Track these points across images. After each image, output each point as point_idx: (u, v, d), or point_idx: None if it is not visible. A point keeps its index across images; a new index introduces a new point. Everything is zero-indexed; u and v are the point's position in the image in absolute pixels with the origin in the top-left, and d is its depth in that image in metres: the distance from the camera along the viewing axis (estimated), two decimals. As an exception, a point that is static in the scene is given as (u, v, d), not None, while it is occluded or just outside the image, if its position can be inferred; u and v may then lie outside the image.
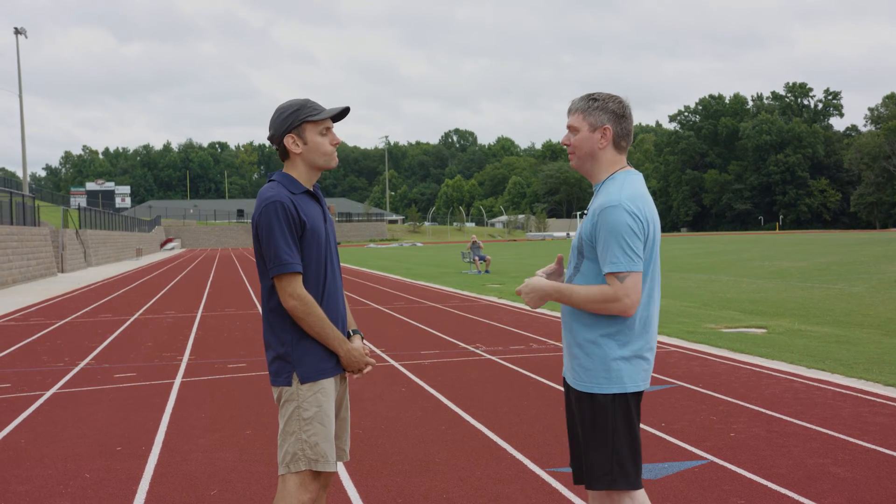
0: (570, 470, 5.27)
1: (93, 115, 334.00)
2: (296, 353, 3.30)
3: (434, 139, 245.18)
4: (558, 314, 13.70)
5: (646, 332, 3.13)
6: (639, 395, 3.16)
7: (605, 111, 3.14)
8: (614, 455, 3.08)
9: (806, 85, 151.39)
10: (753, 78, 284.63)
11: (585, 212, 3.18)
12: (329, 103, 3.41)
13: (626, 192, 3.06)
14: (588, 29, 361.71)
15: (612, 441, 3.08)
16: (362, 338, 3.55)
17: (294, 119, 3.33)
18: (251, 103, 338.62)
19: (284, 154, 3.40)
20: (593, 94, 3.19)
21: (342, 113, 3.41)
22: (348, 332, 3.49)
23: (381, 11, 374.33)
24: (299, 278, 3.26)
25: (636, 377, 3.11)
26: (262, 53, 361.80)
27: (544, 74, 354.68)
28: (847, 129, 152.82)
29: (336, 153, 3.43)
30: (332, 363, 3.36)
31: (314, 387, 3.30)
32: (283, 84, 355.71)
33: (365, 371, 3.45)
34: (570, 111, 3.22)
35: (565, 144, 3.24)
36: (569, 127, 3.22)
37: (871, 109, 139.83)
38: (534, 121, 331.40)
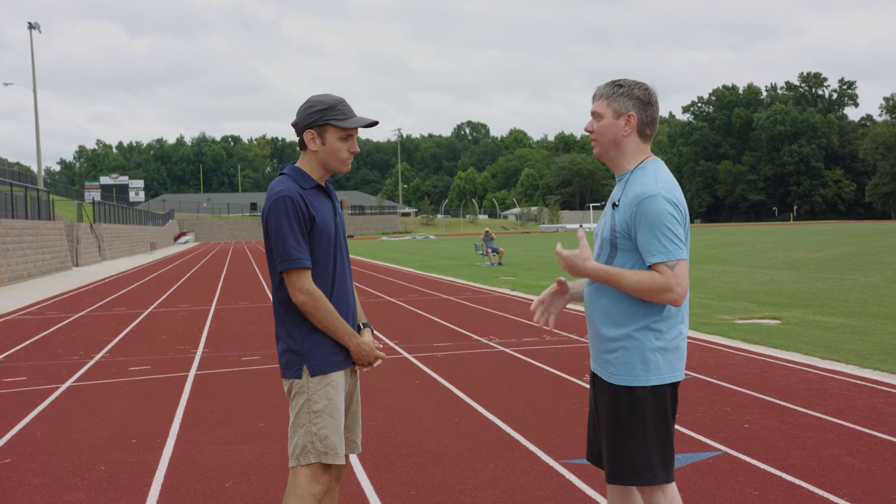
0: (586, 462, 5.28)
1: (105, 110, 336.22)
2: (305, 345, 3.31)
3: (446, 131, 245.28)
4: (575, 308, 13.67)
5: (681, 321, 3.07)
6: (675, 385, 3.09)
7: (631, 98, 3.06)
8: (653, 449, 3.00)
9: (820, 75, 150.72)
10: (766, 68, 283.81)
11: (616, 202, 3.04)
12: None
13: (661, 181, 2.99)
14: (598, 19, 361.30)
15: (650, 435, 3.00)
16: (372, 331, 3.55)
17: (319, 117, 3.32)
18: (263, 97, 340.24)
19: (303, 145, 3.40)
20: (619, 81, 3.10)
21: (369, 125, 3.40)
22: (358, 326, 3.50)
23: (390, 4, 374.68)
24: (308, 273, 3.26)
25: (674, 367, 3.05)
26: (273, 47, 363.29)
27: (554, 66, 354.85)
28: (862, 118, 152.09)
29: (351, 160, 3.42)
30: (342, 356, 3.36)
31: (324, 379, 3.31)
32: (294, 77, 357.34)
33: (375, 364, 3.45)
34: (594, 97, 3.13)
35: (588, 131, 3.14)
36: (592, 113, 3.13)
37: (886, 99, 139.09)
38: (544, 112, 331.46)
